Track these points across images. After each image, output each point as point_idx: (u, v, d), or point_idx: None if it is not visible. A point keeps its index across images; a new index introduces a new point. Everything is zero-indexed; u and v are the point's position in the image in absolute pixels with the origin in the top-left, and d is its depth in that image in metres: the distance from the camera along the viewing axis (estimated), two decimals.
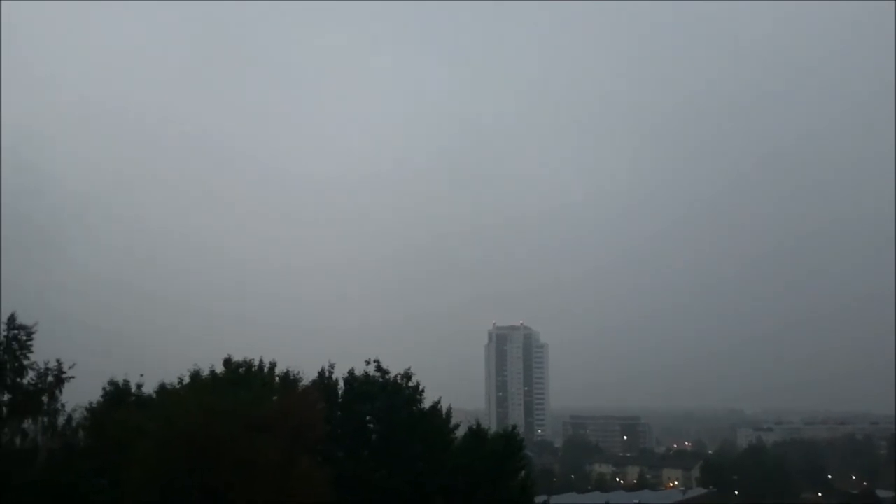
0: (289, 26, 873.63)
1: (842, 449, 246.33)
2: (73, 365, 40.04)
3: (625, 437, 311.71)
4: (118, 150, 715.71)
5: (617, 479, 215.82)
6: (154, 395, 44.17)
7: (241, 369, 45.31)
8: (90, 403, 42.73)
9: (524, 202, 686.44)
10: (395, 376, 48.14)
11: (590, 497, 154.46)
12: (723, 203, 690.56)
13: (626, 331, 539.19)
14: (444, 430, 48.42)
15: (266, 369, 46.18)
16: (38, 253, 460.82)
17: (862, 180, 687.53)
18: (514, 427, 55.70)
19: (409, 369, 48.46)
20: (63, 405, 40.13)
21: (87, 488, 35.86)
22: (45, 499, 35.40)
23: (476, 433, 49.78)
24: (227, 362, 45.65)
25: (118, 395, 43.97)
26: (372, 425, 47.01)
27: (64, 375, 39.73)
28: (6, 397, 38.39)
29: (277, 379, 45.80)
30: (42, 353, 39.19)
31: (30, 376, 38.95)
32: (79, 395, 41.21)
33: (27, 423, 39.27)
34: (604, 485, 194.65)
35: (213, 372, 44.37)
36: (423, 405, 48.06)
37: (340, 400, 47.32)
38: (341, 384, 48.17)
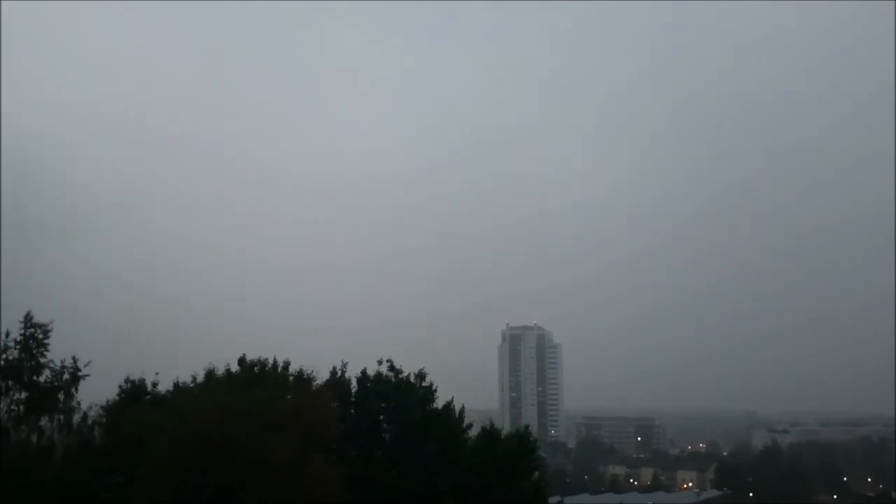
0: (296, 25, 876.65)
1: (858, 451, 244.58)
2: (89, 363, 40.39)
3: (639, 439, 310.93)
4: (124, 150, 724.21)
5: (631, 481, 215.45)
6: (168, 394, 44.33)
7: (255, 368, 45.49)
8: (107, 401, 42.97)
9: (535, 202, 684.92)
10: (408, 376, 48.22)
11: (603, 498, 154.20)
12: (738, 197, 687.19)
13: (639, 331, 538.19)
14: (457, 430, 48.41)
15: (280, 368, 46.31)
16: (49, 252, 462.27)
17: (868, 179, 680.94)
18: (527, 427, 55.59)
19: (422, 369, 48.58)
20: (79, 402, 40.47)
21: (102, 486, 36.00)
22: (61, 496, 35.62)
23: (489, 433, 49.74)
24: (242, 361, 45.83)
25: (134, 393, 44.18)
26: (385, 425, 47.10)
27: (80, 373, 40.03)
28: (23, 395, 38.68)
29: (291, 378, 45.90)
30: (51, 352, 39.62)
31: (46, 374, 39.28)
32: (89, 394, 41.47)
33: (44, 421, 39.55)
34: (617, 486, 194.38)
35: (227, 370, 44.56)
36: (436, 405, 48.12)
37: (353, 399, 47.44)
38: (354, 383, 48.29)
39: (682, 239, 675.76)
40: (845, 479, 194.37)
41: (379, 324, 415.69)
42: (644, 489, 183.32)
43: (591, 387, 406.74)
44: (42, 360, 39.02)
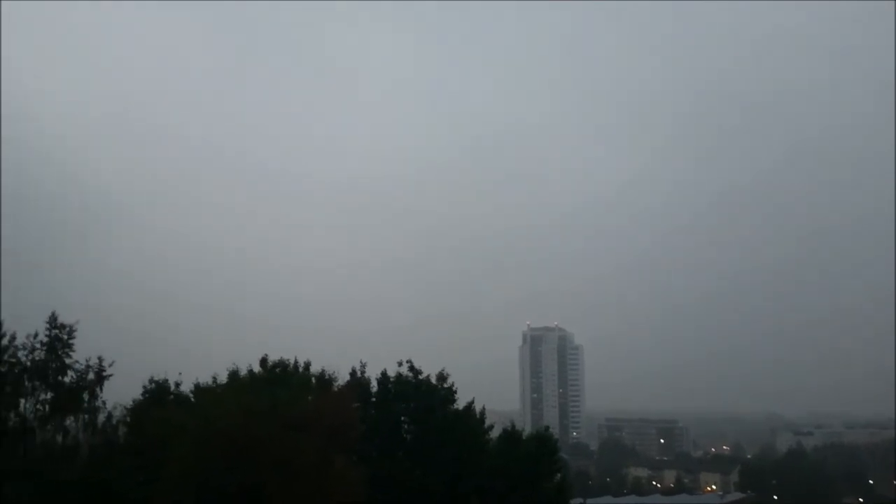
0: (302, 25, 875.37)
1: (883, 454, 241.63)
2: (113, 363, 40.70)
3: (661, 441, 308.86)
4: (132, 151, 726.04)
5: (653, 483, 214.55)
6: (191, 394, 44.56)
7: (277, 369, 45.65)
8: (133, 401, 43.28)
9: (546, 202, 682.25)
10: (427, 377, 48.25)
11: (626, 500, 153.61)
12: (754, 189, 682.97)
13: (660, 331, 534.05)
14: (478, 432, 48.38)
15: (301, 369, 46.46)
16: (69, 253, 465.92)
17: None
18: (548, 428, 55.58)
19: (443, 370, 48.60)
20: (104, 402, 40.76)
21: (127, 486, 36.19)
22: (86, 495, 35.87)
23: (510, 435, 49.67)
24: (264, 362, 46.01)
25: (158, 393, 44.44)
26: (406, 425, 47.13)
27: (104, 374, 40.33)
28: (48, 395, 39.01)
29: (313, 379, 46.03)
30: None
31: (71, 375, 39.59)
32: (110, 393, 41.79)
33: (69, 421, 39.88)
34: (640, 488, 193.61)
35: (251, 371, 44.76)
36: (457, 406, 48.10)
37: (374, 400, 47.52)
38: (374, 384, 48.37)
39: (698, 235, 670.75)
40: (871, 481, 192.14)
41: (398, 325, 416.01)
42: (667, 491, 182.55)
43: (613, 388, 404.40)
44: (67, 361, 39.35)
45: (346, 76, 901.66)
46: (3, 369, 38.40)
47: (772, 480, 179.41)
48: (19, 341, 38.69)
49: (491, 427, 50.25)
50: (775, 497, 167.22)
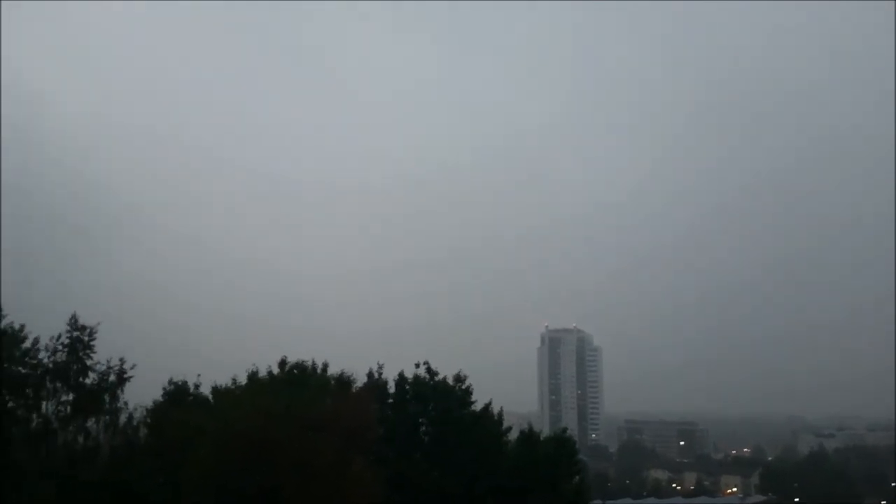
0: (323, 27, 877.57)
1: None
2: (135, 366, 40.98)
3: (681, 443, 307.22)
4: (144, 157, 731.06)
5: (674, 485, 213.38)
6: (210, 396, 44.82)
7: (295, 371, 45.82)
8: (153, 402, 43.58)
9: (558, 204, 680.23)
10: (444, 378, 48.31)
11: (646, 502, 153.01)
12: (774, 184, 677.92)
13: (681, 333, 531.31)
14: (495, 433, 48.39)
15: (319, 371, 46.61)
16: (80, 257, 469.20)
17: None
18: (566, 430, 55.43)
19: (460, 371, 48.67)
20: (126, 403, 41.08)
21: (147, 487, 36.45)
22: (107, 496, 36.16)
23: (528, 436, 49.63)
24: (283, 363, 46.18)
25: (177, 395, 44.72)
26: (424, 427, 47.22)
27: (125, 375, 40.63)
28: (70, 397, 39.36)
29: (332, 381, 46.18)
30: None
31: (92, 376, 39.93)
32: (128, 395, 42.06)
33: (90, 422, 40.20)
34: (660, 490, 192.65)
35: (270, 373, 44.99)
36: (474, 407, 48.13)
37: (391, 401, 47.63)
38: (391, 385, 48.47)
39: (714, 233, 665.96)
40: (893, 484, 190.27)
41: (415, 327, 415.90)
42: (687, 494, 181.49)
43: (633, 390, 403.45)
44: (88, 363, 39.70)
45: (357, 78, 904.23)
46: (24, 371, 38.80)
47: (793, 483, 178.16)
48: (41, 343, 39.13)
49: (509, 429, 50.25)
50: (796, 500, 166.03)
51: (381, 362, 49.37)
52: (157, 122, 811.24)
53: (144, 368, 44.80)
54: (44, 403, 39.14)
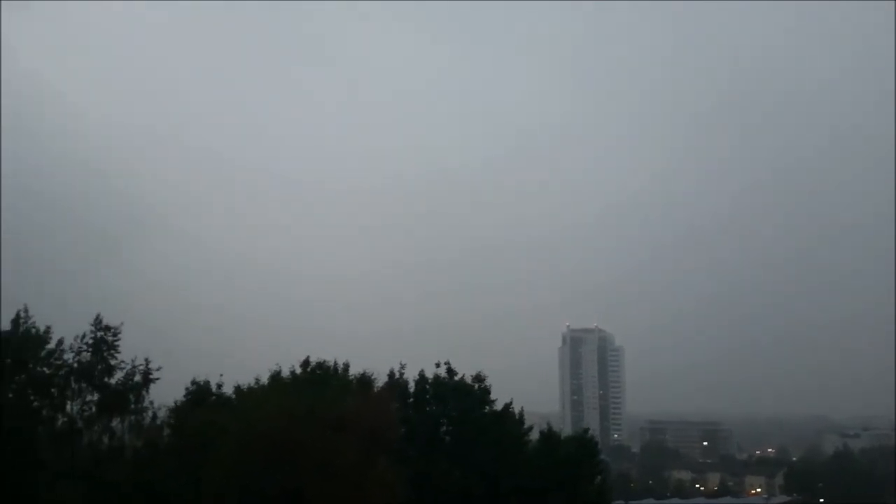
0: (324, 27, 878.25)
1: None
2: (160, 367, 41.27)
3: (705, 443, 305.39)
4: (159, 163, 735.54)
5: (697, 486, 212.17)
6: (233, 396, 45.03)
7: (318, 371, 45.98)
8: (175, 402, 43.85)
9: (569, 206, 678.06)
10: (463, 377, 48.34)
11: (669, 503, 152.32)
12: (795, 176, 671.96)
13: (704, 333, 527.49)
14: (517, 433, 48.35)
15: (341, 371, 46.75)
16: (104, 261, 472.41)
17: None
18: (587, 430, 55.25)
19: (479, 371, 48.69)
20: (152, 402, 41.39)
21: (171, 487, 36.67)
22: (132, 497, 36.42)
23: (548, 436, 49.53)
24: (305, 364, 46.35)
25: (200, 395, 44.97)
26: (444, 427, 47.25)
27: (151, 376, 40.92)
28: (95, 396, 39.71)
29: (353, 381, 46.31)
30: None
31: (117, 376, 40.26)
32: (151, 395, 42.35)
33: (115, 422, 40.53)
34: (683, 491, 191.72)
35: (293, 373, 45.18)
36: (494, 407, 48.12)
37: (412, 401, 47.71)
38: (411, 385, 48.56)
39: (729, 232, 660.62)
40: None
41: (435, 326, 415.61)
42: (711, 494, 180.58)
43: (655, 390, 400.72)
44: (112, 363, 40.03)
45: (358, 78, 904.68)
46: (49, 371, 39.21)
47: (818, 483, 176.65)
48: (65, 344, 39.52)
49: (530, 428, 50.19)
50: (821, 500, 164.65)
51: (402, 362, 49.56)
52: (157, 121, 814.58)
53: (170, 370, 45.23)
54: (69, 403, 39.55)
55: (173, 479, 36.88)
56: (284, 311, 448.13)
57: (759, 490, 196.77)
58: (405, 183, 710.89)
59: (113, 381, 40.32)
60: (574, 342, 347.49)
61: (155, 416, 41.93)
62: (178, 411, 43.09)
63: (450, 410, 47.15)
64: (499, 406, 48.43)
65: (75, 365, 39.37)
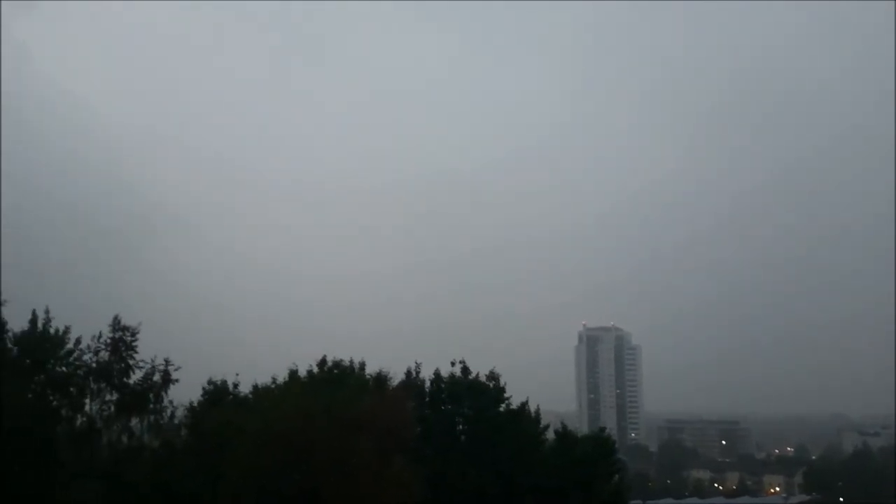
0: (324, 27, 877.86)
1: None
2: (179, 368, 41.41)
3: (723, 442, 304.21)
4: (154, 160, 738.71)
5: (715, 485, 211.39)
6: (250, 396, 45.19)
7: (335, 370, 46.10)
8: (190, 402, 44.04)
9: (578, 206, 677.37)
10: (477, 375, 48.34)
11: (687, 502, 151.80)
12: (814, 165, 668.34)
13: (722, 331, 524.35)
14: (532, 432, 48.29)
15: (357, 370, 46.86)
16: (122, 263, 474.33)
17: None
18: (604, 429, 55.04)
19: (493, 369, 48.63)
20: (171, 401, 41.56)
21: (189, 487, 36.82)
22: (150, 496, 36.62)
23: (563, 435, 49.41)
24: (322, 363, 46.48)
25: (217, 395, 45.17)
26: (460, 426, 47.26)
27: (170, 377, 41.08)
28: (114, 396, 39.93)
29: (370, 380, 46.39)
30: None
31: (136, 376, 40.48)
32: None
33: (134, 422, 40.75)
34: (702, 491, 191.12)
35: (309, 372, 45.30)
36: (510, 406, 48.09)
37: (428, 400, 47.76)
38: (427, 384, 48.62)
39: (740, 228, 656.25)
40: None
41: (454, 325, 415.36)
42: (729, 494, 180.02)
43: (672, 389, 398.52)
44: (131, 363, 40.23)
45: (360, 76, 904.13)
46: (68, 371, 39.47)
47: (837, 482, 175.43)
48: (83, 344, 39.76)
49: (547, 427, 50.15)
50: (841, 499, 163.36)
51: (419, 361, 49.63)
52: (157, 122, 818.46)
53: (186, 371, 45.43)
54: (88, 403, 39.79)
55: (191, 479, 37.03)
56: (284, 310, 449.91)
57: (777, 489, 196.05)
58: (414, 185, 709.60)
59: (132, 381, 40.53)
60: (590, 340, 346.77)
61: (173, 416, 42.12)
62: (194, 411, 43.30)
63: (465, 409, 47.19)
64: (514, 405, 48.40)
65: (94, 365, 39.61)
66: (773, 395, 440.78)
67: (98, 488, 35.89)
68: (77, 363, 39.52)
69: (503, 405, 47.85)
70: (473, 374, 48.29)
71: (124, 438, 40.58)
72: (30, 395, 38.21)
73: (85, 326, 40.43)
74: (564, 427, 51.20)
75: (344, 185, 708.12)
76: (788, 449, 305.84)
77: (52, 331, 39.57)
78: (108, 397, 40.00)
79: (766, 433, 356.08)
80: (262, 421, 36.11)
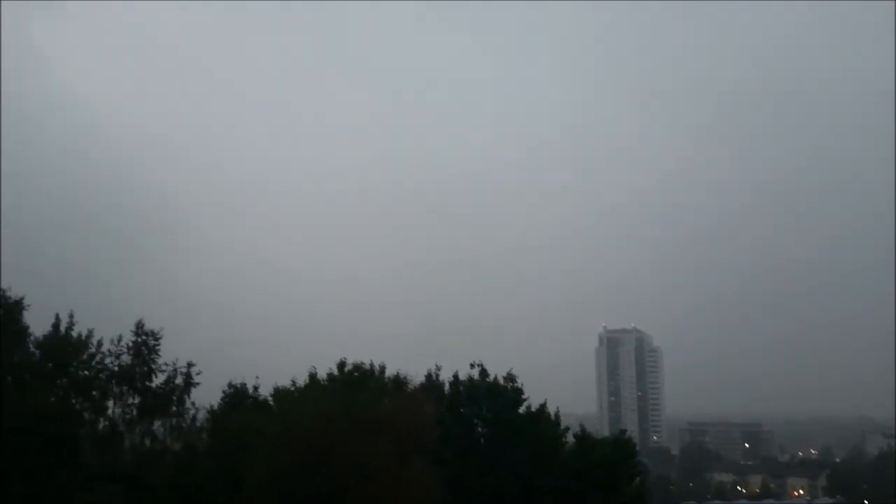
0: (325, 27, 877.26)
1: None
2: (200, 372, 41.67)
3: (746, 445, 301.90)
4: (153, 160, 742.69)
5: (738, 488, 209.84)
6: (270, 398, 45.39)
7: (355, 373, 46.28)
8: (211, 406, 44.27)
9: (585, 206, 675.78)
10: (495, 377, 48.36)
11: None
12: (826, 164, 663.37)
13: (744, 333, 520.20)
14: (552, 434, 48.20)
15: (377, 372, 47.01)
16: (139, 267, 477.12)
17: None
18: (625, 431, 54.82)
19: (510, 371, 48.65)
20: (194, 403, 41.82)
21: (210, 489, 37.01)
22: (171, 499, 36.84)
23: (583, 438, 49.27)
24: (342, 366, 46.65)
25: (237, 398, 45.40)
26: (479, 428, 47.27)
27: (192, 381, 41.34)
28: (136, 399, 40.25)
29: (389, 382, 46.52)
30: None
31: (158, 379, 40.78)
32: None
33: (156, 425, 41.04)
34: (724, 493, 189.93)
35: (329, 375, 45.46)
36: (529, 408, 48.05)
37: (447, 402, 47.81)
38: (446, 386, 48.67)
39: (750, 227, 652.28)
40: None
41: (473, 327, 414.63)
42: (753, 497, 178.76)
43: (694, 391, 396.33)
44: (153, 366, 40.54)
45: (371, 80, 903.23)
46: (90, 374, 39.82)
47: (862, 485, 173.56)
48: (104, 347, 40.11)
49: (567, 429, 50.01)
50: (866, 502, 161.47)
51: (438, 364, 49.71)
52: (158, 122, 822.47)
53: (206, 373, 45.71)
54: (110, 406, 40.11)
55: (212, 482, 37.23)
56: (284, 310, 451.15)
57: (801, 492, 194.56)
58: (429, 185, 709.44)
59: (154, 384, 40.82)
60: (611, 342, 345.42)
61: (194, 419, 42.37)
62: (215, 414, 43.54)
63: (483, 411, 47.20)
64: (534, 407, 48.35)
65: (116, 368, 39.94)
66: (795, 396, 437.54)
67: (120, 491, 36.08)
68: (99, 367, 39.87)
69: (522, 407, 47.83)
70: (491, 377, 48.31)
71: (146, 441, 40.83)
72: (52, 399, 38.52)
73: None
74: (583, 429, 51.03)
75: (347, 187, 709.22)
76: (812, 451, 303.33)
77: (74, 335, 39.91)
78: (130, 401, 40.30)
79: (789, 435, 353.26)
80: (282, 423, 36.31)
